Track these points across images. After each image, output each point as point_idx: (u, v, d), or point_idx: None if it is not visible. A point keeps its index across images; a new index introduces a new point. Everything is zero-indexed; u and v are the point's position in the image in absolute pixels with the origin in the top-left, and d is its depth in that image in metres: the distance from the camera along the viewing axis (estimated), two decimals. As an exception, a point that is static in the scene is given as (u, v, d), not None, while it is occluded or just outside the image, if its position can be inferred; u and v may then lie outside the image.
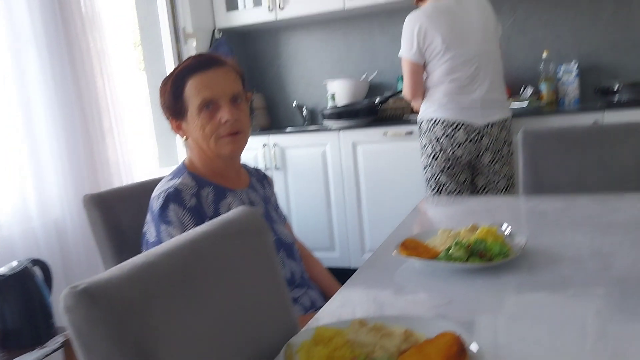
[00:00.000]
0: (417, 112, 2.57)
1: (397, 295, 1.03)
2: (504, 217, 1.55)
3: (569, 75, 2.99)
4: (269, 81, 3.80)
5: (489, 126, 2.34)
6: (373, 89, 3.48)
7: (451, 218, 1.67)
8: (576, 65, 2.99)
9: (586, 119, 2.60)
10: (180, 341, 0.69)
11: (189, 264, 0.73)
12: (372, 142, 3.00)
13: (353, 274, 1.17)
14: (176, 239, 0.76)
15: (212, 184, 1.31)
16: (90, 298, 0.59)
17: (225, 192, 1.33)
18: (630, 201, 1.54)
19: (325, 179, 3.13)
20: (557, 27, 3.14)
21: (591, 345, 0.78)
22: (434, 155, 2.42)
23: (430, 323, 0.79)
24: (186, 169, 1.33)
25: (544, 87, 3.04)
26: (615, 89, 2.73)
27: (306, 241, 3.21)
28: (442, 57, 2.33)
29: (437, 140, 2.39)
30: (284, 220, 1.52)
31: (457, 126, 2.33)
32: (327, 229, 3.16)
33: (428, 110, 2.43)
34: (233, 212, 0.90)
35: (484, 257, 1.10)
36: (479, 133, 2.34)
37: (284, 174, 3.20)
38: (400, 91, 2.72)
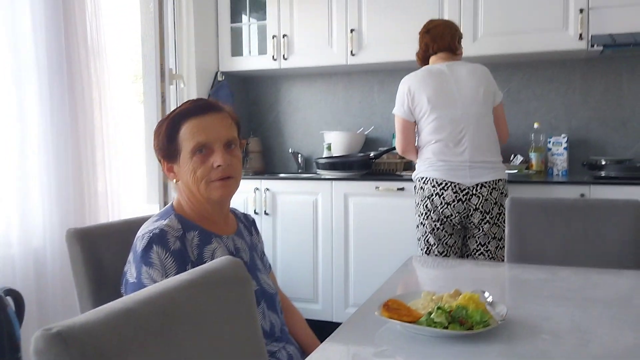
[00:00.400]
0: (410, 169, 2.61)
1: (376, 357, 1.02)
2: (487, 283, 1.55)
3: (559, 147, 3.07)
4: (267, 126, 3.85)
5: (478, 186, 2.36)
6: (368, 143, 3.53)
7: (436, 280, 1.67)
8: (566, 139, 3.07)
9: (573, 191, 2.64)
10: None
11: (168, 313, 0.73)
12: (364, 194, 3.02)
13: (334, 328, 1.16)
14: (156, 286, 0.76)
15: (198, 228, 1.31)
16: (63, 343, 0.58)
17: (211, 237, 1.32)
18: (611, 277, 1.55)
19: (314, 228, 3.13)
20: (549, 101, 3.24)
21: None
22: (424, 214, 2.44)
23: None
24: (174, 210, 1.33)
25: (533, 157, 3.11)
26: (602, 164, 2.80)
27: (289, 290, 3.16)
28: (429, 117, 2.41)
29: (427, 199, 2.41)
30: (268, 269, 1.51)
31: (445, 186, 2.37)
32: (312, 279, 3.14)
33: (420, 168, 2.48)
34: (216, 262, 0.90)
35: (464, 324, 1.09)
36: (467, 193, 2.36)
37: (273, 219, 3.20)
38: (394, 147, 2.77)
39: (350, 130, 3.51)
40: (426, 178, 2.42)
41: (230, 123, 1.34)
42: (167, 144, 1.31)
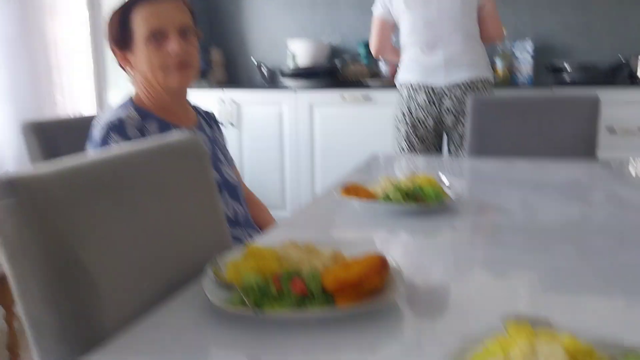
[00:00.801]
0: (378, 78, 2.57)
1: (335, 232, 1.06)
2: (445, 172, 1.60)
3: (524, 53, 3.07)
4: (229, 36, 3.72)
5: (453, 88, 2.31)
6: (334, 52, 3.47)
7: (396, 172, 1.71)
8: (531, 44, 3.07)
9: (537, 95, 2.68)
10: (108, 249, 0.69)
11: (121, 174, 0.73)
12: (330, 104, 3.00)
13: None
14: (110, 151, 0.75)
15: (157, 119, 1.29)
16: (13, 190, 0.58)
17: (171, 127, 1.31)
18: (562, 166, 1.62)
19: (280, 139, 3.12)
20: (515, 5, 3.20)
21: (515, 279, 0.83)
22: (401, 119, 2.43)
23: (359, 247, 0.82)
24: (132, 102, 1.31)
25: (499, 63, 3.11)
26: (565, 68, 2.83)
27: (261, 198, 3.19)
28: (405, 18, 2.35)
29: (404, 103, 2.40)
30: (231, 163, 1.52)
31: (418, 88, 2.35)
32: (280, 188, 3.18)
33: (399, 73, 2.44)
34: (174, 135, 0.90)
35: (420, 201, 1.14)
36: (440, 95, 2.33)
37: (239, 131, 3.18)
38: (360, 55, 2.72)
39: (315, 40, 3.43)
40: (402, 82, 2.40)
41: (184, 9, 1.29)
42: (120, 31, 1.26)
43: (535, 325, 0.55)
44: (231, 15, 3.70)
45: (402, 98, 2.41)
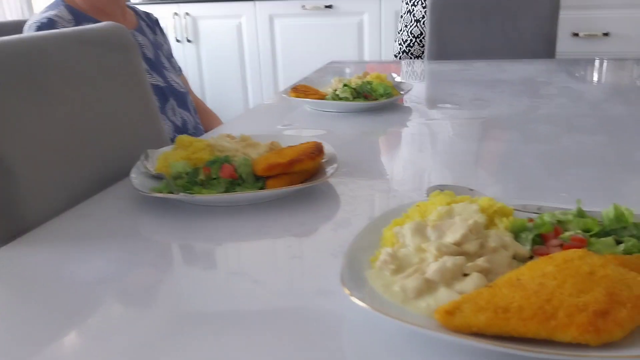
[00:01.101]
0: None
1: (283, 130, 1.03)
2: (402, 75, 1.56)
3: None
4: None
5: None
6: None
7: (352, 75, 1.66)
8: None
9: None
10: (25, 139, 0.65)
11: (34, 60, 0.67)
12: (290, 15, 2.87)
13: None
14: (19, 36, 0.69)
15: (92, 20, 1.21)
16: None
17: (108, 30, 1.23)
18: (521, 65, 1.59)
19: (240, 54, 3.01)
20: None
21: (457, 164, 0.82)
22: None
23: (299, 139, 0.79)
24: (63, 1, 1.21)
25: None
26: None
27: (221, 117, 3.13)
28: None
29: None
30: (179, 71, 1.45)
31: None
32: (243, 105, 3.10)
33: None
34: (98, 24, 0.83)
35: (369, 97, 1.11)
36: None
37: (197, 47, 3.04)
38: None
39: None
40: None
41: None
42: None
43: (458, 193, 0.54)
44: None
45: None
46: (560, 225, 0.45)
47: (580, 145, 0.86)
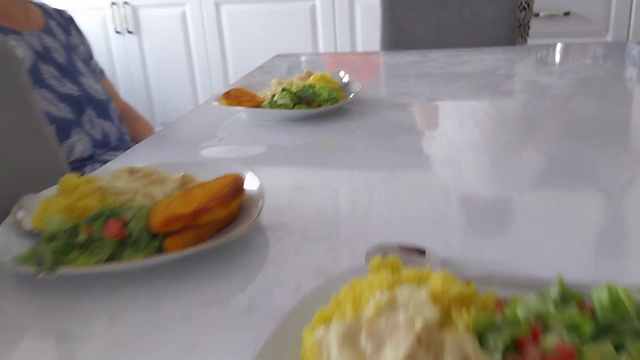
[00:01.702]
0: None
1: (214, 147, 0.89)
2: (350, 69, 1.42)
3: None
4: None
5: None
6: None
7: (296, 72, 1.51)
8: None
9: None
10: None
11: None
12: (237, 1, 2.69)
13: None
14: None
15: (-16, 22, 1.03)
16: None
17: (7, 34, 1.05)
18: (481, 55, 1.48)
19: (186, 43, 2.81)
20: None
21: (408, 187, 0.70)
22: None
23: (218, 167, 0.65)
24: (-53, 1, 1.02)
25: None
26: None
27: (170, 112, 2.94)
28: None
29: None
30: (99, 75, 1.28)
31: None
32: (192, 100, 2.91)
33: None
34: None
35: (312, 103, 0.97)
36: None
37: (139, 38, 2.83)
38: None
39: None
40: None
41: None
42: None
43: (406, 259, 0.41)
44: None
45: None
46: (539, 321, 0.33)
47: (545, 158, 0.75)
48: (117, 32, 2.81)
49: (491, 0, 1.70)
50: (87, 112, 1.13)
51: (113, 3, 2.76)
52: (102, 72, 1.30)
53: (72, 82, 1.12)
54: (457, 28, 1.72)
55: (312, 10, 2.63)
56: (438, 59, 1.46)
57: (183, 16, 2.75)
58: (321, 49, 2.66)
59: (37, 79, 1.05)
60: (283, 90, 0.98)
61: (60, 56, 1.13)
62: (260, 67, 1.56)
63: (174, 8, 2.75)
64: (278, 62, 1.63)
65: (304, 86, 0.99)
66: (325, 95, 0.97)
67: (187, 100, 2.91)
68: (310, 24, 2.65)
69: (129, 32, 2.80)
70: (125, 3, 2.75)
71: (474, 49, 1.55)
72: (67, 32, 1.21)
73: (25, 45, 1.06)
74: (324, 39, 2.65)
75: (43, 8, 1.19)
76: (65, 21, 1.23)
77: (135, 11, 2.78)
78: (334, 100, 0.97)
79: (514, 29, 1.72)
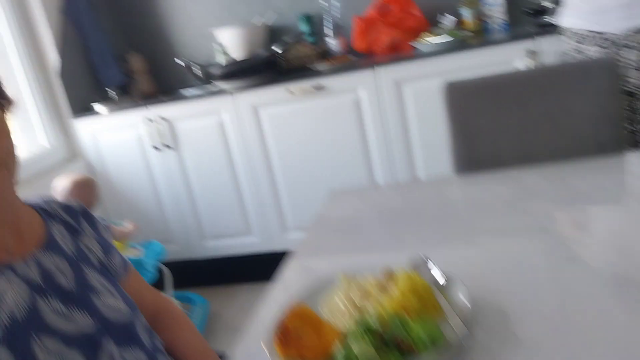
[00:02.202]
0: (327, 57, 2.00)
1: None
2: (431, 221, 1.11)
3: (493, -4, 2.54)
4: (147, 37, 3.12)
5: (635, 33, 1.62)
6: (272, 35, 2.90)
7: (361, 211, 1.22)
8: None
9: (517, 49, 2.18)
10: None
11: None
12: (276, 102, 2.49)
13: (276, 259, 0.74)
14: None
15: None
16: None
17: (-6, 270, 0.81)
18: (588, 173, 1.15)
19: (227, 153, 2.61)
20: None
21: None
22: None
23: None
24: None
25: (466, 13, 2.59)
26: (546, 8, 2.33)
27: (218, 229, 2.71)
28: None
29: (565, 55, 1.84)
30: (121, 275, 1.03)
31: (585, 37, 1.72)
32: (240, 211, 2.69)
33: (561, 15, 1.84)
34: None
35: (404, 347, 0.67)
36: (617, 44, 1.66)
37: (178, 153, 2.66)
38: (304, 33, 2.17)
39: (246, 24, 2.86)
40: (564, 27, 1.80)
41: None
42: None
43: None
44: (145, 10, 3.09)
45: (566, 48, 1.81)
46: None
47: None
48: (156, 148, 2.65)
49: (585, 93, 1.37)
50: (105, 347, 0.87)
51: (149, 119, 2.61)
52: (124, 267, 1.05)
53: (84, 310, 0.87)
54: (546, 131, 1.40)
55: (356, 101, 2.39)
56: (536, 188, 1.14)
57: (221, 124, 2.58)
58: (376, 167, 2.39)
59: (35, 326, 0.80)
60: (362, 328, 0.68)
61: (66, 278, 0.89)
62: (325, 213, 1.26)
63: (211, 117, 2.58)
64: (336, 204, 1.35)
65: (390, 318, 0.69)
66: (421, 333, 0.67)
67: (234, 210, 2.69)
68: (356, 115, 2.40)
69: (169, 147, 2.64)
70: (162, 118, 2.60)
71: (579, 163, 1.22)
72: (76, 232, 0.97)
73: (20, 281, 0.83)
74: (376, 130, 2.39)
75: (44, 211, 0.96)
76: (72, 216, 0.99)
77: (172, 125, 2.62)
78: (437, 343, 0.66)
79: (616, 128, 1.37)
